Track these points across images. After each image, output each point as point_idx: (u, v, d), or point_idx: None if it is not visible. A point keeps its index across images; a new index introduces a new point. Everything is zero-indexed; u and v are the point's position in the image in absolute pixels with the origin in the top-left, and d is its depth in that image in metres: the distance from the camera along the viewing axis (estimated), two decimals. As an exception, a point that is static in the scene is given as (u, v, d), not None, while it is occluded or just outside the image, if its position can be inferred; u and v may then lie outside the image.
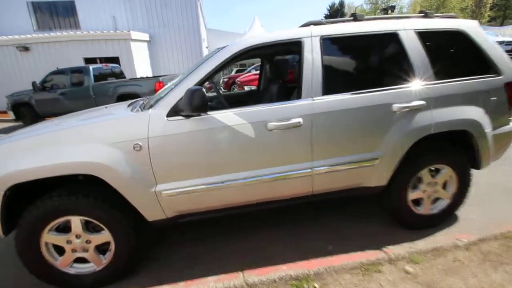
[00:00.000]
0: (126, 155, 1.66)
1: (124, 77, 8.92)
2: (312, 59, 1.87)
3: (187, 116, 1.73)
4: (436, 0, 28.71)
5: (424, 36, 2.06)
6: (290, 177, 1.90)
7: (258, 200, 1.96)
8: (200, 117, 1.75)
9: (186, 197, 1.80)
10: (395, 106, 1.94)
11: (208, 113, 1.78)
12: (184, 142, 1.73)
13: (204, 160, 1.78)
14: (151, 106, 1.79)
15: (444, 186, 2.29)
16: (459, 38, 2.16)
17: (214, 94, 3.01)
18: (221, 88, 13.42)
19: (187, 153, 1.75)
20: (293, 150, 1.88)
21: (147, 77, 8.43)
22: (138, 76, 11.02)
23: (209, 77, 1.82)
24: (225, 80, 13.51)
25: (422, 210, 2.29)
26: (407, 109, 1.96)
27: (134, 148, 1.67)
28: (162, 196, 1.76)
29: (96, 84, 7.61)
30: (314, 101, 1.85)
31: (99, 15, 14.25)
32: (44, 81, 7.97)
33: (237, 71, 15.50)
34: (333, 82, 1.91)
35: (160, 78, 7.33)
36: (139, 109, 1.94)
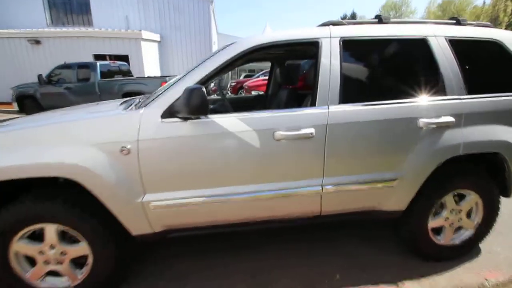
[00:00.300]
0: (111, 159, 1.45)
1: (132, 76, 8.83)
2: (330, 62, 1.65)
3: (185, 119, 1.51)
4: (451, 15, 28.57)
5: (456, 44, 1.84)
6: (297, 195, 1.67)
7: (259, 218, 1.73)
8: (199, 120, 1.53)
9: (177, 210, 1.58)
10: (422, 121, 1.71)
11: (209, 116, 1.56)
12: (179, 147, 1.52)
13: (201, 170, 1.56)
14: (144, 105, 1.59)
15: (468, 214, 2.04)
16: (495, 49, 1.92)
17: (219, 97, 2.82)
18: (229, 92, 13.29)
19: (182, 160, 1.53)
20: (302, 164, 1.65)
21: (154, 77, 8.32)
22: (146, 76, 10.95)
23: (212, 76, 1.60)
24: (233, 84, 13.38)
25: (442, 240, 2.03)
26: (434, 126, 1.73)
27: (121, 151, 1.46)
28: (150, 208, 1.54)
29: (102, 81, 7.51)
30: (330, 110, 1.63)
31: (112, 14, 14.35)
32: (50, 74, 7.90)
33: (245, 76, 15.38)
34: (353, 89, 1.69)
35: (167, 78, 7.18)
36: (134, 107, 1.74)
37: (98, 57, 11.56)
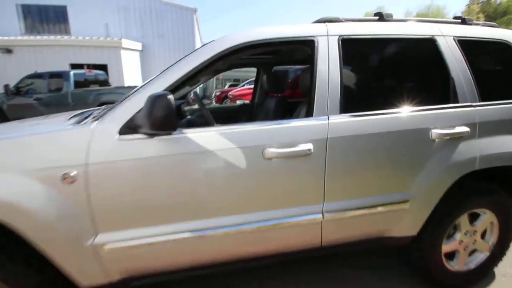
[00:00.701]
0: (49, 189, 1.10)
1: (109, 85, 8.35)
2: (329, 64, 1.39)
3: (151, 135, 1.19)
4: None
5: (465, 45, 1.63)
6: (293, 225, 1.37)
7: (245, 256, 1.41)
8: (169, 137, 1.21)
9: (142, 251, 1.23)
10: (435, 133, 1.47)
11: (184, 131, 1.25)
12: (143, 172, 1.19)
13: (172, 199, 1.23)
14: (98, 119, 1.25)
15: (483, 235, 1.80)
16: (503, 50, 1.74)
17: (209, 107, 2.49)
18: (213, 101, 12.93)
19: (147, 188, 1.20)
20: (298, 187, 1.35)
21: (133, 87, 7.90)
22: (126, 85, 10.47)
23: (185, 81, 1.29)
24: (218, 93, 13.07)
25: (456, 266, 1.77)
26: (448, 137, 1.49)
27: (63, 178, 1.11)
28: (104, 251, 1.18)
29: (76, 91, 7.01)
30: (331, 122, 1.35)
31: (91, 22, 13.90)
32: (18, 84, 7.31)
33: (230, 86, 15.14)
34: (355, 96, 1.44)
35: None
36: (89, 121, 1.39)
37: (75, 66, 10.98)
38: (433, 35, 1.59)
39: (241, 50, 1.34)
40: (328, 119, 1.36)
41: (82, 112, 1.84)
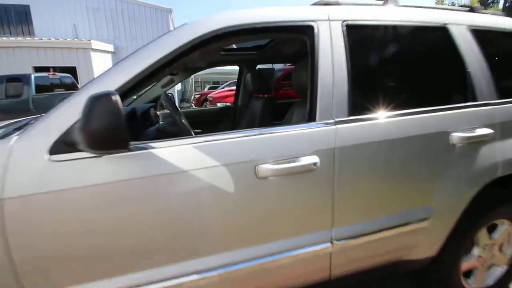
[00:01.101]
0: None
1: (77, 89, 7.71)
2: (332, 56, 1.12)
3: (99, 153, 0.85)
4: None
5: (480, 36, 1.43)
6: (293, 260, 1.07)
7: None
8: (125, 154, 0.88)
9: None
10: (455, 136, 1.24)
11: (147, 144, 0.92)
12: (88, 205, 0.85)
13: (130, 241, 0.90)
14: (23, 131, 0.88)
15: (500, 247, 1.61)
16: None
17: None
18: (193, 104, 12.45)
19: (94, 227, 0.86)
20: (301, 212, 1.06)
21: (104, 90, 7.31)
22: (97, 89, 9.78)
23: (141, 80, 0.94)
24: (197, 96, 12.63)
25: (474, 284, 1.57)
26: (469, 141, 1.27)
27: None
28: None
29: (38, 96, 6.35)
30: (338, 127, 1.08)
31: (58, 23, 13.08)
32: (-30, 90, 6.53)
33: (210, 88, 14.70)
34: (365, 95, 1.18)
35: (119, 91, 6.29)
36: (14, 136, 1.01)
37: (39, 69, 10.14)
38: (445, 23, 1.37)
39: (219, 38, 1.03)
40: (335, 124, 1.08)
41: (15, 122, 1.43)
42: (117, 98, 0.74)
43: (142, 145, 0.92)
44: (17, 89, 6.38)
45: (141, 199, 0.89)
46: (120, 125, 0.74)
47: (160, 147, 0.93)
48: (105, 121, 0.71)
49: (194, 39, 0.98)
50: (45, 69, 10.24)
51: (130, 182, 0.86)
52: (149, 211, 0.90)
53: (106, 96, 0.72)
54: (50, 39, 11.22)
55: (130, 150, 0.85)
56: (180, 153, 0.94)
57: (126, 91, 0.91)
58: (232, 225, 0.99)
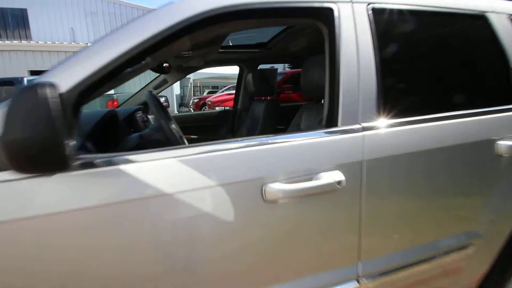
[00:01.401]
0: None
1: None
2: (357, 45, 0.89)
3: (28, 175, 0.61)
4: None
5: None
6: None
7: None
8: (88, 171, 0.65)
9: None
10: (502, 145, 1.01)
11: (126, 158, 0.70)
12: (29, 245, 0.62)
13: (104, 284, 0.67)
14: None
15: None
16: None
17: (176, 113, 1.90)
18: (191, 109, 12.21)
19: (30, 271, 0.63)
20: (321, 244, 0.83)
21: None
22: (94, 93, 9.59)
23: (107, 75, 0.69)
24: (196, 100, 12.42)
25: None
26: (520, 150, 1.04)
27: None
28: None
29: (31, 100, 6.12)
30: (366, 134, 0.85)
31: (55, 27, 12.97)
32: (-41, 94, 6.30)
33: (209, 93, 14.51)
34: (397, 95, 0.95)
35: (115, 96, 6.08)
36: None
37: (36, 73, 9.96)
38: (483, 11, 1.16)
39: (213, 20, 0.80)
40: (363, 129, 0.85)
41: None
42: (47, 91, 0.51)
43: (112, 159, 0.69)
44: (9, 93, 6.15)
45: (104, 234, 0.65)
46: (53, 133, 0.50)
47: (138, 161, 0.70)
48: (28, 128, 0.47)
49: (184, 20, 0.76)
50: (42, 73, 10.07)
51: (89, 212, 0.63)
52: (114, 252, 0.66)
53: (30, 89, 0.49)
54: (46, 42, 11.06)
55: (79, 168, 0.62)
56: (163, 169, 0.71)
57: (93, 85, 0.68)
58: (232, 265, 0.75)
